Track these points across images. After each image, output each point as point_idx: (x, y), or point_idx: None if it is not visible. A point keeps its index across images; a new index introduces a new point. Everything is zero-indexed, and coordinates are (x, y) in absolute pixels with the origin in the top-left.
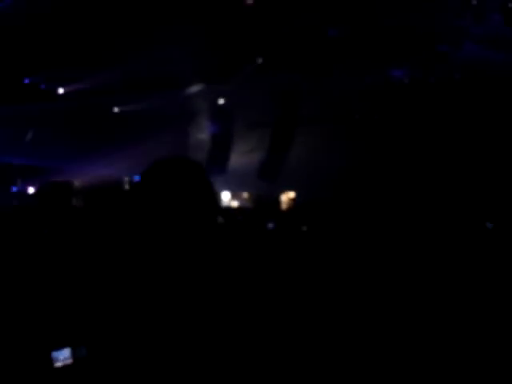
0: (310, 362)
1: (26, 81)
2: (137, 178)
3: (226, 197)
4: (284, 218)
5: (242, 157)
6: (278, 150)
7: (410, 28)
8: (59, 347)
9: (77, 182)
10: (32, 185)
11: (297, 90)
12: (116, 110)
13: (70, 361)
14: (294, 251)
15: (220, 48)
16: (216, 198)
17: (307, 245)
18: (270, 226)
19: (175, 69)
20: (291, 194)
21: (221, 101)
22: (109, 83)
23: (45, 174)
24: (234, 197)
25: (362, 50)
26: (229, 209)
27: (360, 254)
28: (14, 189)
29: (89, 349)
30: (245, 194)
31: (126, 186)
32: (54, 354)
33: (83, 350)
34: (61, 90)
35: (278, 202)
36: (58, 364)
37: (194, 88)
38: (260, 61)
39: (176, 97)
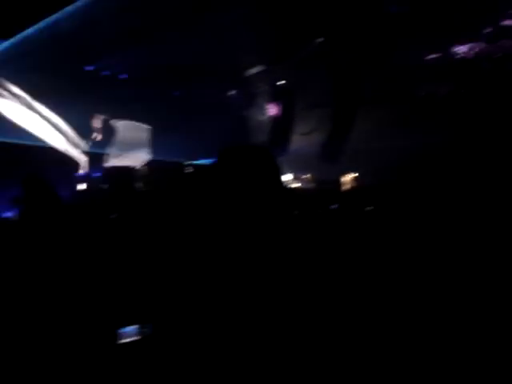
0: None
1: (88, 68)
2: (197, 162)
3: (287, 178)
4: (347, 199)
5: (302, 138)
6: (339, 130)
7: (474, 2)
8: (126, 325)
9: (139, 167)
10: (96, 171)
11: (357, 69)
12: (176, 94)
13: (136, 338)
14: (356, 231)
15: (279, 29)
16: (282, 184)
17: (370, 226)
18: (333, 206)
19: (235, 51)
20: (353, 176)
21: (281, 82)
22: (169, 68)
23: (107, 160)
24: (295, 178)
25: (425, 26)
26: (292, 190)
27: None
28: (78, 175)
29: (155, 327)
30: (306, 176)
31: (188, 170)
32: (121, 331)
33: (149, 327)
34: (122, 77)
35: (339, 183)
36: (125, 340)
37: (254, 70)
38: (320, 40)
39: (236, 79)
